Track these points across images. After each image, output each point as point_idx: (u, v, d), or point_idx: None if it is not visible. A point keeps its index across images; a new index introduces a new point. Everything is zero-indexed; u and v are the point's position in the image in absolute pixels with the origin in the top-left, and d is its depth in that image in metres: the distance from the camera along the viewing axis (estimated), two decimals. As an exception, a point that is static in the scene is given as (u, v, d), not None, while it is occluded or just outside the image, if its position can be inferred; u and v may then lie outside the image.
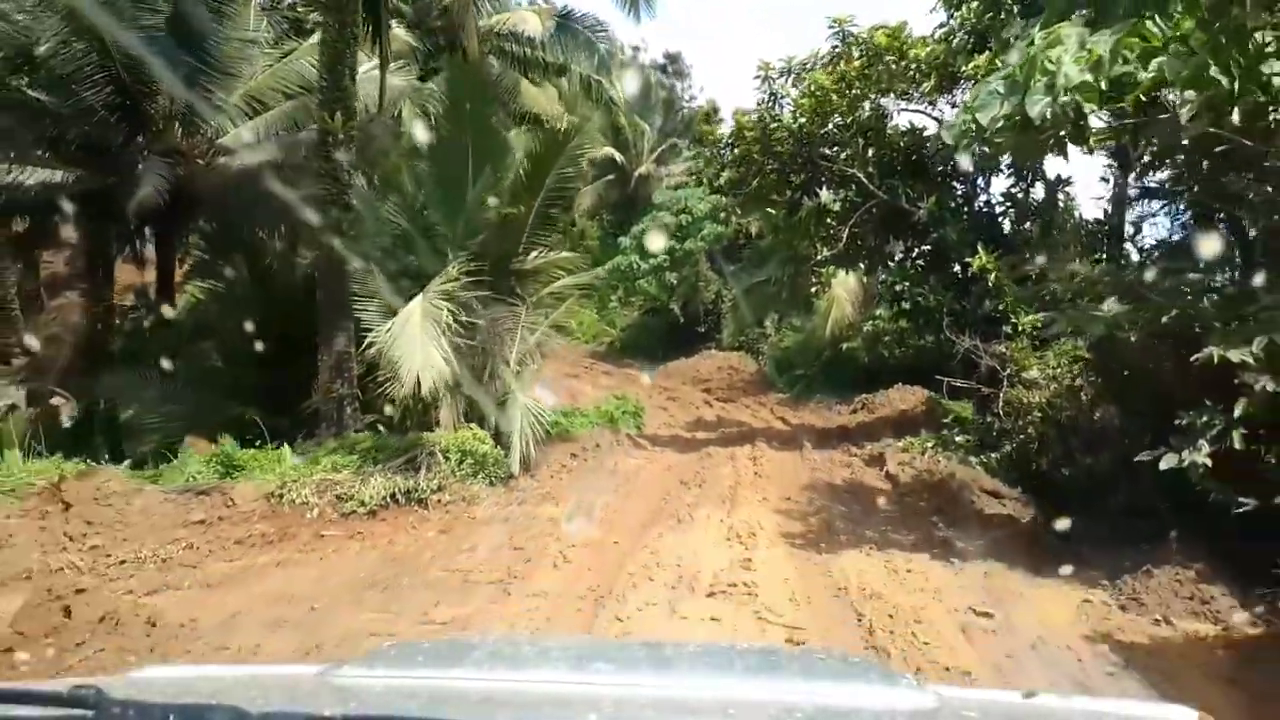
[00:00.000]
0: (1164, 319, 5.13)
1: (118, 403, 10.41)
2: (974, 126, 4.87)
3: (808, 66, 10.73)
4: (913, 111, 11.41)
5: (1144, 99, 5.28)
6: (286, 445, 7.61)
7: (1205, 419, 4.79)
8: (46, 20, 9.98)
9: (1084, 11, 5.49)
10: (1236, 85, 4.38)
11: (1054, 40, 4.96)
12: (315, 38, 12.69)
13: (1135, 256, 9.18)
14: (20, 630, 3.78)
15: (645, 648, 1.66)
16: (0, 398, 7.52)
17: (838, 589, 5.10)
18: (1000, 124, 4.79)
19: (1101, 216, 10.49)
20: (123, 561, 5.58)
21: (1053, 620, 4.63)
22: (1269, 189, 5.44)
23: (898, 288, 11.40)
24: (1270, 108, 4.92)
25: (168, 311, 12.28)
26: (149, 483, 6.82)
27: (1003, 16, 9.16)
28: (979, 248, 9.86)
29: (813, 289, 13.74)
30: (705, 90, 39.23)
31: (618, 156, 25.96)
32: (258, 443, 7.97)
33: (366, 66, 11.41)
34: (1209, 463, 4.67)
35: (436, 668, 1.35)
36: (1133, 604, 4.87)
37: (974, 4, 9.71)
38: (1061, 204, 11.07)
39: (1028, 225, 11.18)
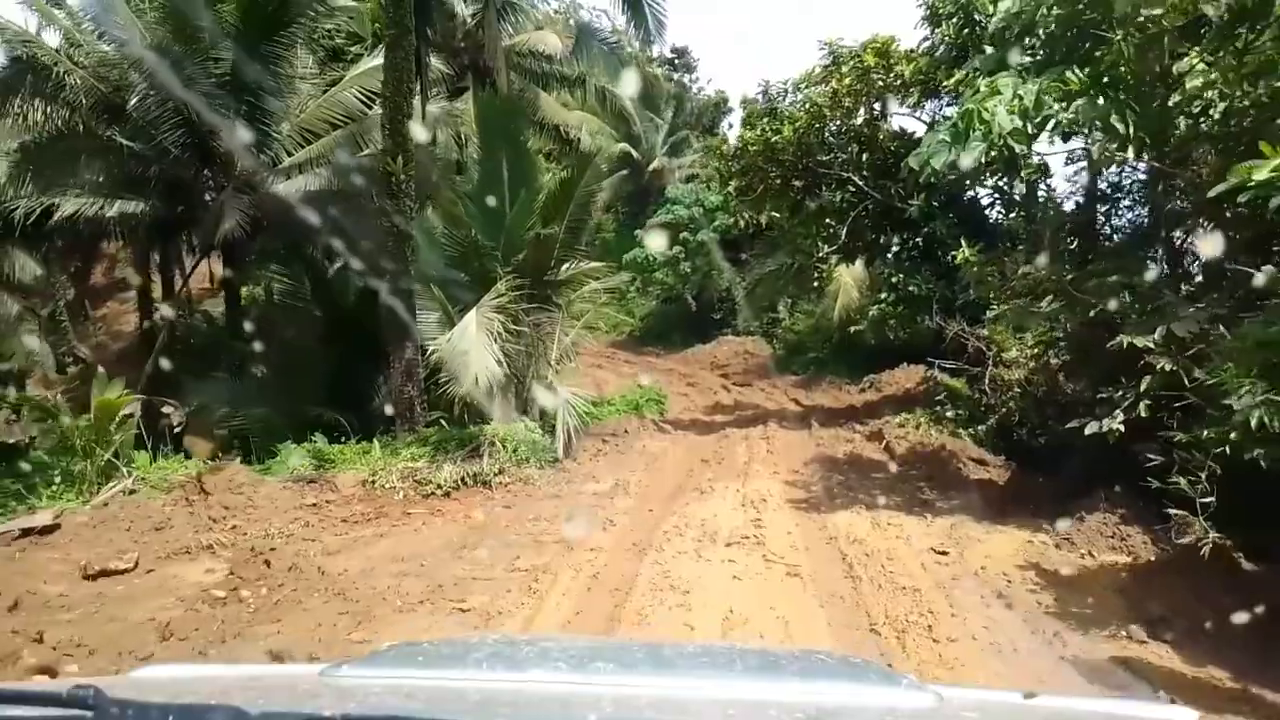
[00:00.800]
0: (1091, 314, 6.31)
1: (207, 405, 11.90)
2: (930, 170, 6.08)
3: (802, 86, 11.86)
4: (902, 116, 12.50)
5: (1068, 132, 6.45)
6: (376, 441, 9.00)
7: (1120, 393, 5.99)
8: (134, 77, 11.39)
9: (1029, 51, 6.63)
10: (1131, 130, 5.52)
11: (993, 90, 6.12)
12: (356, 69, 14.03)
13: (1103, 250, 10.23)
14: (240, 576, 5.22)
15: (645, 648, 1.65)
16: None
17: (829, 538, 6.40)
18: (949, 166, 5.98)
19: (1075, 208, 11.51)
20: (257, 537, 7.00)
21: (997, 556, 5.89)
22: (1181, 204, 6.58)
23: (893, 279, 12.54)
24: (1197, 127, 6.05)
25: (237, 324, 13.78)
26: (263, 474, 8.26)
27: (978, 33, 10.22)
28: (963, 241, 10.95)
29: (814, 283, 14.88)
30: (713, 82, 39.97)
31: (632, 152, 26.98)
32: (342, 438, 9.38)
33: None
34: (1122, 428, 5.88)
35: (436, 668, 1.35)
36: (1066, 543, 6.10)
37: (953, 21, 10.76)
38: (1043, 196, 12.10)
39: (1013, 216, 12.22)
